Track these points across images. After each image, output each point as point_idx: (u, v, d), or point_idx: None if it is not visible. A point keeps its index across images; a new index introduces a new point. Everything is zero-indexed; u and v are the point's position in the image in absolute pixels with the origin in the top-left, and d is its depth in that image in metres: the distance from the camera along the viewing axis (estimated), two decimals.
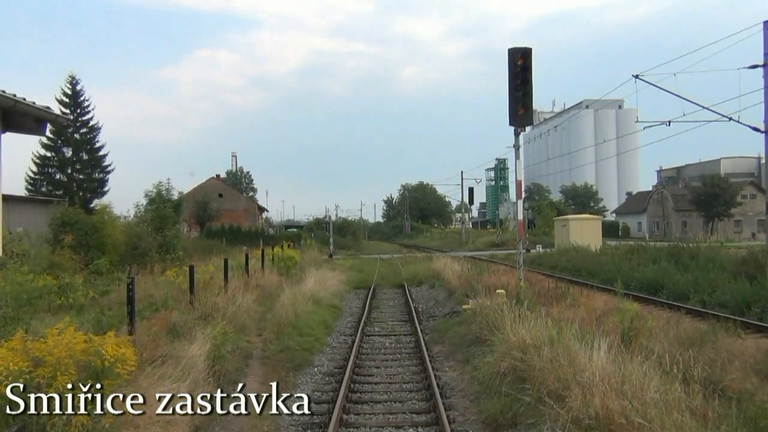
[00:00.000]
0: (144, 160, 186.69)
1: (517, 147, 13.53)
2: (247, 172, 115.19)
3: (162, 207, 29.31)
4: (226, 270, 16.00)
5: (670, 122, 19.92)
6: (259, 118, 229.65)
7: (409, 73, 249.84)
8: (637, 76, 18.67)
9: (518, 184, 13.46)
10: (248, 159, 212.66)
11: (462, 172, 60.52)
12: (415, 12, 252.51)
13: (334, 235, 60.33)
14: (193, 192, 55.11)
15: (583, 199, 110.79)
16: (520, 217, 13.53)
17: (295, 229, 68.10)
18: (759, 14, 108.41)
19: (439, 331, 13.24)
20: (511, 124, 13.22)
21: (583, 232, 38.35)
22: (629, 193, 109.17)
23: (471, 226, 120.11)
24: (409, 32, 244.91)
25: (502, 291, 13.95)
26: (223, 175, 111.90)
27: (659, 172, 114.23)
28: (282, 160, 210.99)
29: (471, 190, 56.73)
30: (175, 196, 33.96)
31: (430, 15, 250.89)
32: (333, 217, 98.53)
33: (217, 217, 51.35)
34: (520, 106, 12.96)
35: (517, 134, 13.41)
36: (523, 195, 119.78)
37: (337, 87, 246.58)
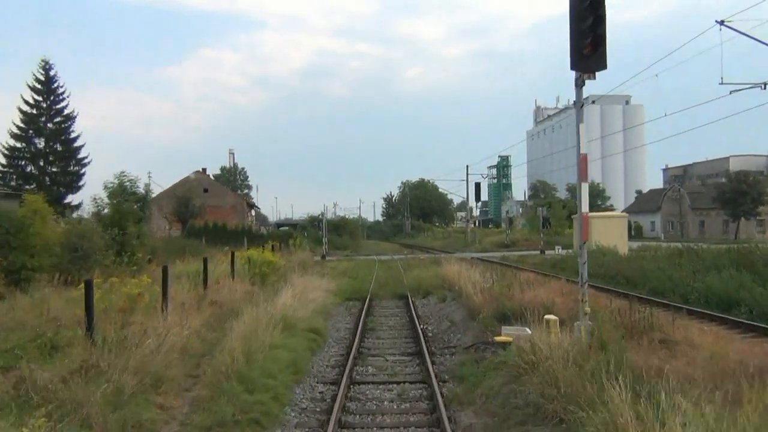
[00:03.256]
0: (145, 160, 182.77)
1: (580, 104, 9.10)
2: (242, 168, 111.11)
3: (123, 201, 24.98)
4: (165, 282, 11.61)
5: (766, 85, 15.35)
6: (261, 118, 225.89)
7: (412, 74, 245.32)
8: (722, 22, 14.14)
9: (582, 159, 9.02)
10: (250, 158, 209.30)
11: (467, 166, 56.03)
12: (418, 13, 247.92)
13: (329, 234, 55.92)
14: (175, 187, 50.68)
15: (589, 198, 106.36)
16: (585, 208, 9.12)
17: (289, 228, 63.63)
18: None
19: (464, 379, 8.79)
20: (572, 68, 8.83)
21: (606, 232, 33.96)
22: (639, 192, 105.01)
23: (473, 225, 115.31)
24: (412, 33, 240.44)
25: (553, 317, 9.56)
26: (216, 171, 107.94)
27: (665, 170, 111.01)
28: (283, 160, 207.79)
29: (478, 186, 52.12)
30: (141, 189, 29.65)
31: (434, 16, 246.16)
32: (330, 215, 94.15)
33: (201, 215, 46.86)
34: (588, 41, 8.55)
35: (579, 85, 8.98)
36: (528, 193, 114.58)
37: (339, 87, 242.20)
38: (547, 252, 42.05)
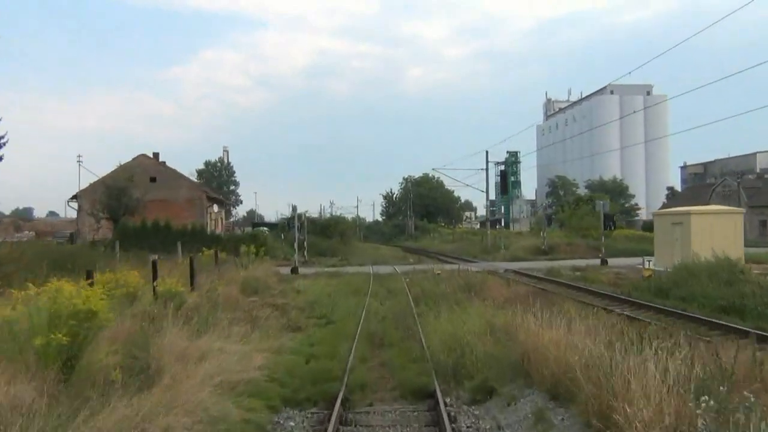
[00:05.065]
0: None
1: None
2: (228, 164, 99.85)
3: None
4: None
5: None
6: (263, 118, 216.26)
7: (415, 74, 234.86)
8: None
9: None
10: (250, 156, 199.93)
11: (487, 152, 44.41)
12: (421, 13, 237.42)
13: (315, 237, 44.41)
14: (113, 174, 39.10)
15: (611, 195, 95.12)
16: None
17: (266, 229, 51.99)
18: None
19: None
20: None
21: (714, 235, 22.39)
22: (671, 188, 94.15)
23: (479, 226, 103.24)
24: (415, 33, 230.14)
25: None
26: (200, 166, 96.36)
27: (683, 168, 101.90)
28: (284, 160, 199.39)
29: (504, 175, 40.56)
30: None
31: (436, 16, 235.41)
32: (327, 214, 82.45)
33: (139, 210, 35.35)
34: None
35: None
36: (546, 190, 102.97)
37: (341, 87, 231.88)
38: (607, 261, 30.78)
